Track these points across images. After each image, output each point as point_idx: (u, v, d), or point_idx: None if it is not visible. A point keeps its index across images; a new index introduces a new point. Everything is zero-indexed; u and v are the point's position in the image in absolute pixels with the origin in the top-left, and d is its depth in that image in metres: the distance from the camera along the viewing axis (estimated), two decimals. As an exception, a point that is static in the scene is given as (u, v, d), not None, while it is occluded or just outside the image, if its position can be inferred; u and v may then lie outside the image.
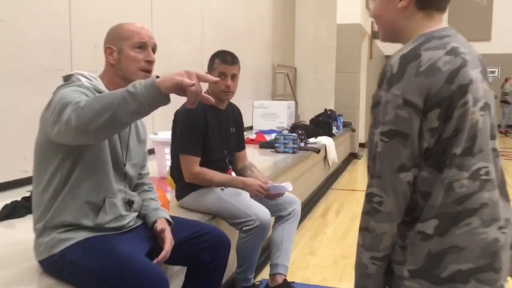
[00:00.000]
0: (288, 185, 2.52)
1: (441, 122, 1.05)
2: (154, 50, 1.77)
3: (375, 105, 1.09)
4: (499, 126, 12.63)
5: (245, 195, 2.46)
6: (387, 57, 14.08)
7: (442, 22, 1.15)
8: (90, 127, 1.35)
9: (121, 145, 1.75)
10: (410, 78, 1.04)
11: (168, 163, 3.34)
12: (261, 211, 2.37)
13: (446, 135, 1.06)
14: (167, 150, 3.35)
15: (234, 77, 2.55)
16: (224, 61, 2.52)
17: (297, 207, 2.72)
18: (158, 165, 3.44)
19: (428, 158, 1.08)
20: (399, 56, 1.08)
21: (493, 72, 13.55)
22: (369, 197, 1.10)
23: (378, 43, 10.90)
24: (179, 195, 2.57)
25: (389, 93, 1.06)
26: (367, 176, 1.13)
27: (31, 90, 2.98)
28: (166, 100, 1.36)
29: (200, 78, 1.35)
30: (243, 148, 2.80)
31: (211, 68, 2.56)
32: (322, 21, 8.70)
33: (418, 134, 1.06)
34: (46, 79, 3.08)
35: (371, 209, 1.10)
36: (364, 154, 8.52)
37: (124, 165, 1.77)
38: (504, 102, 12.83)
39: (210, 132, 2.53)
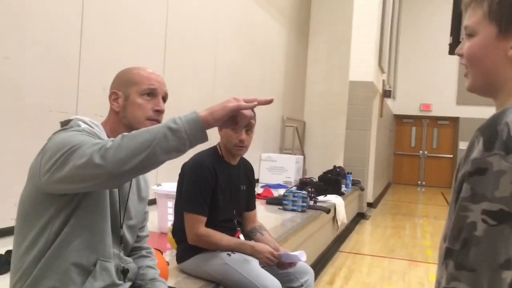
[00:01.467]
0: (301, 255, 2.27)
1: None
2: (164, 99, 1.58)
3: (478, 172, 0.81)
4: None
5: (254, 262, 2.20)
6: (397, 116, 14.05)
7: None
8: (123, 169, 1.21)
9: (120, 202, 1.53)
10: None
11: (171, 217, 3.11)
12: (272, 283, 2.11)
13: None
14: (170, 204, 3.12)
15: (249, 131, 2.35)
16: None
17: (310, 278, 2.45)
18: (160, 219, 3.19)
19: None
20: None
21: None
22: None
23: (389, 101, 10.83)
24: (180, 258, 2.32)
25: (506, 161, 0.79)
26: (447, 263, 0.84)
27: (31, 132, 2.80)
28: (206, 137, 1.27)
29: (248, 102, 1.29)
30: (254, 208, 2.57)
31: None
32: (334, 76, 8.66)
33: None
34: (48, 121, 2.90)
35: None
36: (372, 214, 8.22)
37: (121, 227, 1.54)
38: None
39: (219, 190, 2.31)
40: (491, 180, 0.80)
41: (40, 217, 1.38)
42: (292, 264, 2.30)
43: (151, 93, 1.53)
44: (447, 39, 7.91)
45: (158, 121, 1.54)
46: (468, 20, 0.95)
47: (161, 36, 4.21)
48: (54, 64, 3.02)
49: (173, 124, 1.23)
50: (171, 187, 3.10)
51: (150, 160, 1.22)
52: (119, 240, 1.53)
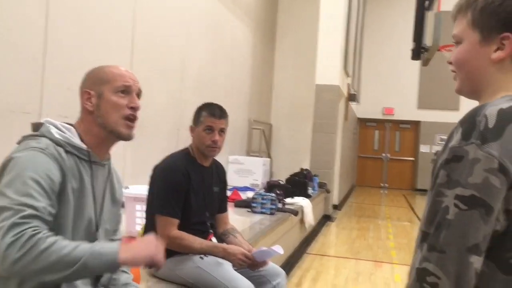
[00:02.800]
0: (278, 248, 2.26)
1: None
2: (139, 95, 1.54)
3: (454, 160, 0.87)
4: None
5: (227, 265, 2.19)
6: (361, 120, 14.30)
7: None
8: (21, 273, 1.20)
9: (95, 205, 1.48)
10: (511, 141, 0.84)
11: (139, 221, 3.05)
12: (245, 286, 2.10)
13: None
14: (139, 207, 3.06)
15: (221, 132, 2.34)
16: (212, 114, 2.32)
17: (282, 281, 2.44)
18: (127, 222, 3.11)
19: (490, 248, 0.86)
20: (497, 109, 0.88)
21: (461, 140, 13.81)
22: (421, 274, 0.85)
23: (353, 105, 11.02)
24: (152, 262, 2.27)
25: (481, 150, 0.84)
26: (420, 246, 0.88)
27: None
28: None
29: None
30: (226, 210, 2.55)
31: (197, 121, 2.35)
32: (300, 80, 8.73)
33: None
34: (11, 122, 2.80)
35: None
36: (337, 216, 8.33)
37: (97, 230, 1.49)
38: None
39: (192, 192, 2.28)
40: (466, 167, 0.85)
41: None
42: (263, 263, 2.27)
43: (125, 90, 1.49)
44: (409, 45, 8.12)
45: (134, 119, 1.50)
46: (455, 29, 1.02)
47: (128, 36, 4.14)
48: (17, 64, 2.91)
49: (90, 264, 1.21)
50: (139, 189, 3.04)
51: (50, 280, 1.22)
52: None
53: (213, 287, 2.11)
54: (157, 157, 2.43)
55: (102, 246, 1.26)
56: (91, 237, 1.45)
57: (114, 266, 1.26)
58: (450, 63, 1.04)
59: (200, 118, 2.33)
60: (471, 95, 1.03)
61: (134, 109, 1.49)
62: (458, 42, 1.01)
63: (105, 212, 1.52)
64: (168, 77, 4.92)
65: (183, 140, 4.80)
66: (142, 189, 3.00)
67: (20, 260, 1.15)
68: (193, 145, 2.38)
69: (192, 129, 2.36)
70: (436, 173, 0.91)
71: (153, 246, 1.32)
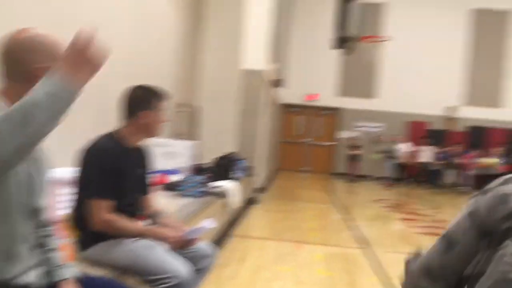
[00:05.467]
0: (209, 223, 2.29)
1: None
2: None
3: None
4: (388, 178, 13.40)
5: (161, 248, 2.19)
6: (285, 105, 14.60)
7: None
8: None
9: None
10: None
11: (58, 205, 2.94)
12: (182, 267, 2.11)
13: None
14: (62, 191, 2.95)
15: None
16: (160, 98, 2.37)
17: (211, 260, 2.48)
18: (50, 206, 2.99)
19: None
20: None
21: (379, 127, 14.65)
22: None
23: (278, 91, 11.23)
24: (83, 246, 2.21)
25: None
26: None
27: None
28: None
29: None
30: (152, 192, 2.54)
31: (146, 106, 2.30)
32: (225, 63, 8.74)
33: None
34: None
35: None
36: (261, 199, 8.50)
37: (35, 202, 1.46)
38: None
39: (121, 174, 2.24)
40: None
41: None
42: (192, 240, 2.30)
43: None
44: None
45: None
46: None
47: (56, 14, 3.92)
48: None
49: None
50: (58, 172, 2.92)
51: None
52: (33, 213, 1.45)
53: (149, 269, 2.10)
54: (79, 140, 2.36)
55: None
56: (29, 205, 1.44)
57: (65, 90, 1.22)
58: None
59: (150, 105, 2.31)
60: None
61: None
62: None
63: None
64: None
65: (108, 123, 4.66)
66: (60, 172, 2.90)
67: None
68: (134, 125, 2.31)
69: (142, 114, 2.31)
70: None
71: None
